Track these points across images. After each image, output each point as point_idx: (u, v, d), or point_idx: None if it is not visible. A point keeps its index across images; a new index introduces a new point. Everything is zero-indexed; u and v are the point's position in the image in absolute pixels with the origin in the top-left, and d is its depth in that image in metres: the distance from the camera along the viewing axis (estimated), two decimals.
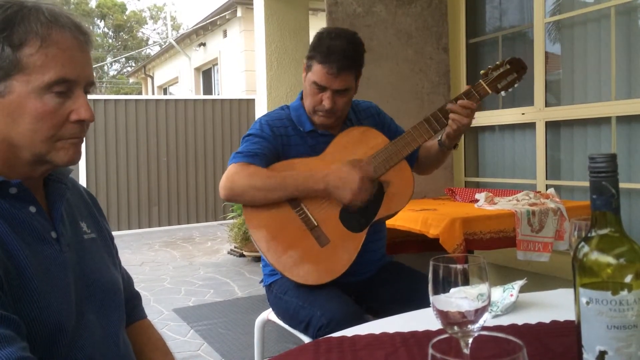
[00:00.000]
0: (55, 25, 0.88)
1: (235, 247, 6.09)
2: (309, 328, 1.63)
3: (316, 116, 1.79)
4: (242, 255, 5.91)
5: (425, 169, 2.01)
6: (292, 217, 1.70)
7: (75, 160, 0.94)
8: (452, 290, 0.76)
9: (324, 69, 1.70)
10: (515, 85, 1.82)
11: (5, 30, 0.86)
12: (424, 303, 0.79)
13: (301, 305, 1.68)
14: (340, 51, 1.69)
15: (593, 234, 0.71)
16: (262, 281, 1.92)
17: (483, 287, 0.75)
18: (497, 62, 1.81)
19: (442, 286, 0.76)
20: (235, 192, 1.68)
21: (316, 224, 1.69)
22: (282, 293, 1.77)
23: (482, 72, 1.80)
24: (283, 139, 1.79)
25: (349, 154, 1.76)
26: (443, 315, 0.76)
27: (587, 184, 0.72)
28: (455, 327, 0.76)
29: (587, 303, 0.70)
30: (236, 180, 1.68)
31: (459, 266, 0.75)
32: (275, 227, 1.69)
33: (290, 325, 1.81)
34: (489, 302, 0.76)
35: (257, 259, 5.70)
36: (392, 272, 1.86)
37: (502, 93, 1.81)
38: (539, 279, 2.88)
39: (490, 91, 1.78)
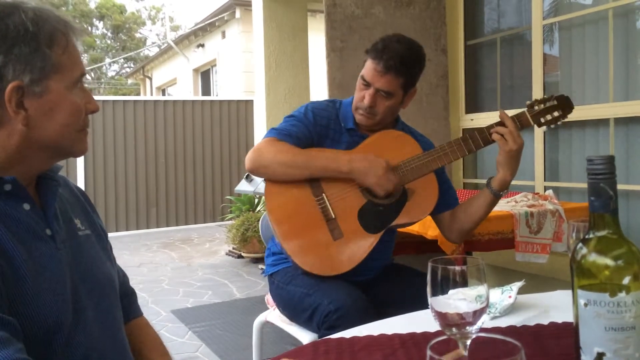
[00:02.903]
0: (69, 23, 0.95)
1: (233, 249, 6.09)
2: (314, 316, 1.62)
3: (357, 113, 1.77)
4: (240, 257, 5.91)
5: (463, 227, 1.82)
6: (311, 204, 1.70)
7: (87, 150, 1.01)
8: (451, 291, 0.76)
9: (373, 64, 1.70)
10: (559, 123, 1.78)
11: (39, 33, 0.89)
12: (424, 306, 0.79)
13: (306, 293, 1.67)
14: (394, 52, 1.67)
15: (591, 235, 0.71)
16: (262, 271, 1.91)
17: (481, 289, 0.75)
18: (545, 96, 1.79)
19: (441, 288, 0.76)
20: (260, 163, 1.71)
21: (333, 217, 1.69)
22: (285, 283, 1.77)
23: (527, 102, 1.76)
24: (322, 129, 1.79)
25: (380, 153, 1.73)
26: (441, 316, 0.76)
27: (585, 185, 0.72)
28: (454, 329, 0.76)
29: (585, 305, 0.70)
30: (264, 153, 1.71)
31: (458, 268, 0.75)
32: (293, 211, 1.70)
33: (292, 316, 1.80)
34: (487, 304, 0.76)
35: (255, 260, 5.70)
36: (393, 274, 1.86)
37: (544, 128, 1.77)
38: (537, 281, 2.88)
39: (532, 123, 1.76)
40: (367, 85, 1.72)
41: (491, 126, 1.73)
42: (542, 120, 1.76)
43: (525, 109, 1.76)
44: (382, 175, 1.65)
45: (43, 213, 0.95)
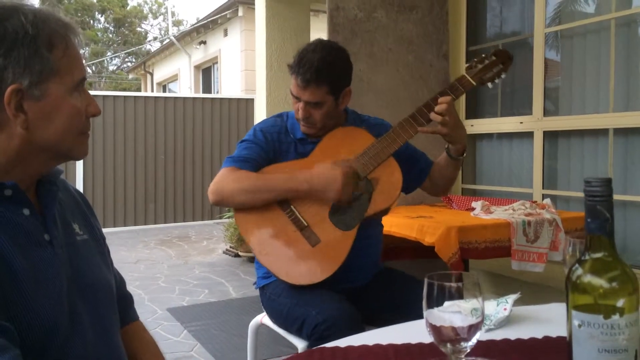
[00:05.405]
0: (69, 25, 0.94)
1: (230, 247, 6.09)
2: (303, 327, 1.63)
3: (300, 124, 1.82)
4: (237, 256, 5.91)
5: (441, 186, 1.92)
6: (282, 219, 1.71)
7: (87, 153, 1.01)
8: (446, 303, 0.76)
9: (295, 80, 1.73)
10: (502, 76, 1.81)
11: (38, 36, 0.89)
12: (419, 310, 0.79)
13: (295, 304, 1.68)
14: (309, 64, 1.69)
15: (587, 257, 0.72)
16: (255, 283, 1.93)
17: (477, 304, 0.76)
18: (483, 55, 1.81)
19: (436, 303, 0.76)
20: (222, 195, 1.72)
21: (306, 225, 1.70)
22: (276, 296, 1.78)
23: (466, 65, 1.80)
24: (275, 144, 1.82)
25: (335, 154, 1.77)
26: (436, 330, 0.77)
27: (583, 194, 0.73)
28: (448, 345, 0.76)
29: (579, 326, 0.70)
30: (224, 184, 1.72)
31: (454, 284, 0.76)
32: (266, 230, 1.72)
33: (283, 327, 1.81)
34: (483, 319, 0.77)
35: (252, 260, 5.69)
36: (386, 279, 1.87)
37: (489, 84, 1.81)
38: (533, 289, 2.88)
39: (474, 83, 1.78)
40: (297, 99, 1.76)
41: (435, 99, 1.75)
42: (484, 78, 1.79)
43: (464, 72, 1.79)
44: (340, 188, 1.67)
45: (42, 218, 0.95)
